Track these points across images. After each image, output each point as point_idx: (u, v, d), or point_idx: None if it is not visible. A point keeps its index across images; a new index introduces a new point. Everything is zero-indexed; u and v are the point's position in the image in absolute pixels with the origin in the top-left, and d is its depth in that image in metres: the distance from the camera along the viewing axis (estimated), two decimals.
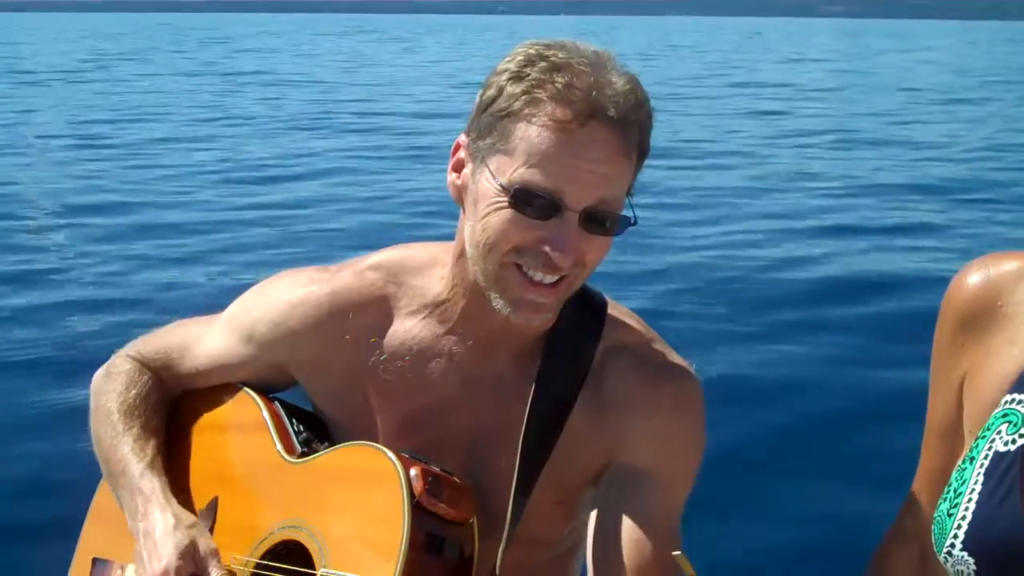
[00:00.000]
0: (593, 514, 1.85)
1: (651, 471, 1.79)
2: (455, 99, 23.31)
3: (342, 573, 1.69)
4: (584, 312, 1.86)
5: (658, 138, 1.73)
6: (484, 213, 1.67)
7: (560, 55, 1.64)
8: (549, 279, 1.67)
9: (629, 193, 1.71)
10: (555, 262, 1.64)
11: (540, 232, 1.63)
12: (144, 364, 2.06)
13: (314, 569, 1.74)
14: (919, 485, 1.83)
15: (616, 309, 1.91)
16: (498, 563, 1.77)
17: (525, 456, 1.79)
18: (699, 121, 20.13)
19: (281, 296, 1.94)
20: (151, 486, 1.91)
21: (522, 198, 1.62)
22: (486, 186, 1.67)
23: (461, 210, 1.77)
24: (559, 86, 1.61)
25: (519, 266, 1.67)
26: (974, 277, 1.72)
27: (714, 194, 12.54)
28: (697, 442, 1.86)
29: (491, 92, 1.67)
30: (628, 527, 1.76)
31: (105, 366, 2.10)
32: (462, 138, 1.75)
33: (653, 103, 1.70)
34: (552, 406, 1.81)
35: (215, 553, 1.83)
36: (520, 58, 1.66)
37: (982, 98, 26.48)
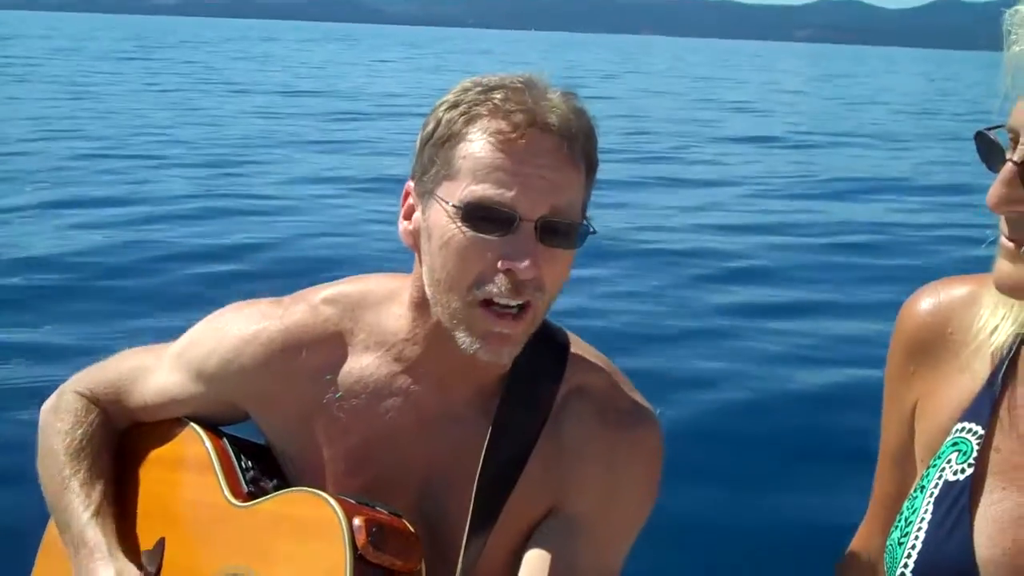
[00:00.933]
0: (526, 556, 1.77)
1: (590, 523, 1.74)
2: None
3: None
4: (545, 351, 1.81)
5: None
6: (439, 245, 1.64)
7: (493, 79, 1.66)
8: (515, 302, 1.62)
9: (584, 212, 1.68)
10: (518, 275, 1.60)
11: (498, 250, 1.60)
12: (91, 400, 2.01)
13: None
14: (872, 511, 1.82)
15: (579, 347, 1.87)
16: None
17: (480, 500, 1.74)
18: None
19: (232, 331, 1.89)
20: (96, 540, 1.87)
21: (474, 214, 1.60)
22: (436, 217, 1.64)
23: (416, 257, 1.74)
24: (495, 102, 1.62)
25: (484, 302, 1.63)
26: (924, 303, 1.70)
27: None
28: (645, 499, 1.81)
29: (430, 127, 1.67)
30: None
31: (53, 399, 2.05)
32: (409, 184, 1.74)
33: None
34: (509, 449, 1.76)
35: None
36: (455, 89, 1.68)
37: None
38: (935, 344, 1.67)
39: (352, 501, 1.70)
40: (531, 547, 1.76)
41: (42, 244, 8.97)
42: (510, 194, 1.59)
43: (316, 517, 1.68)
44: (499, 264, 1.60)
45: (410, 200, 1.73)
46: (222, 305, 1.96)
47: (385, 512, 1.69)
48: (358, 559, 1.62)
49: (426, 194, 1.67)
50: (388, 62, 55.13)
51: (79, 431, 1.97)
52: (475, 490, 1.74)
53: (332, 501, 1.68)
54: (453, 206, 1.61)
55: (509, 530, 1.76)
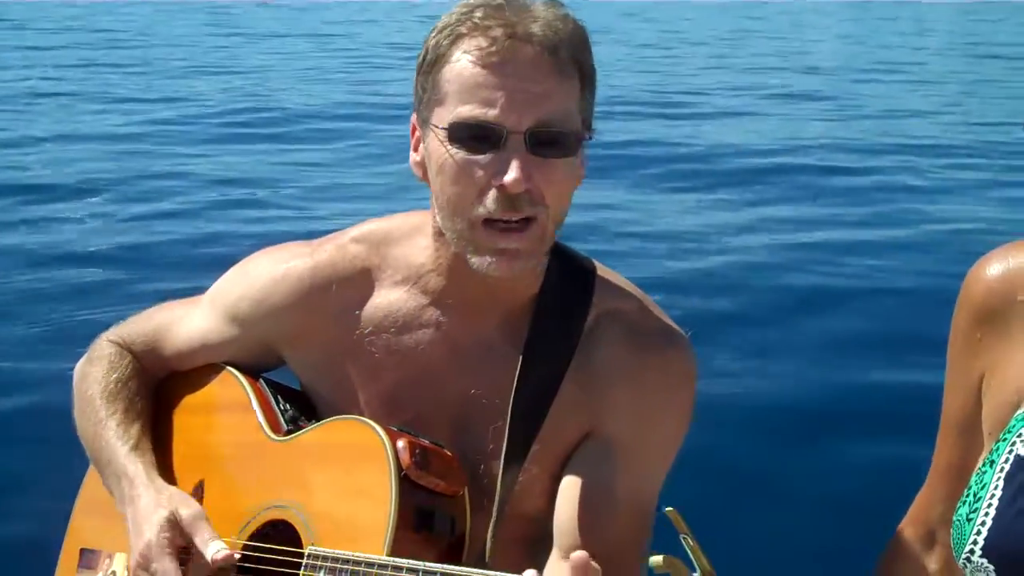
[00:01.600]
0: (563, 481, 1.79)
1: (627, 444, 1.76)
2: None
3: (329, 551, 1.66)
4: (572, 276, 1.83)
5: None
6: (436, 171, 1.67)
7: (477, 3, 1.65)
8: (513, 218, 1.63)
9: (586, 122, 1.68)
10: (508, 189, 1.59)
11: (489, 168, 1.61)
12: (125, 348, 2.03)
13: (301, 547, 1.71)
14: (933, 480, 1.78)
15: (606, 273, 1.88)
16: (488, 539, 1.73)
17: (514, 426, 1.76)
18: None
19: (263, 272, 1.91)
20: (135, 469, 1.88)
21: (461, 135, 1.61)
22: (433, 144, 1.67)
23: (429, 187, 1.75)
24: (476, 20, 1.62)
25: (486, 221, 1.63)
26: (992, 269, 1.66)
27: None
28: (681, 419, 1.83)
29: (421, 54, 1.70)
30: (594, 500, 1.73)
31: (87, 352, 2.06)
32: (413, 116, 1.75)
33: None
34: (542, 374, 1.78)
35: (200, 517, 1.79)
36: (444, 16, 1.68)
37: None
38: (1004, 311, 1.63)
39: (393, 428, 1.71)
40: (568, 472, 1.78)
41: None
42: (494, 110, 1.59)
43: (359, 442, 1.70)
44: (492, 182, 1.60)
45: (417, 134, 1.75)
46: None
47: (427, 440, 1.71)
48: (403, 479, 1.64)
49: (424, 123, 1.70)
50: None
51: (113, 375, 1.99)
52: (509, 418, 1.76)
53: (374, 425, 1.70)
54: (443, 129, 1.63)
55: (545, 457, 1.78)
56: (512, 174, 1.58)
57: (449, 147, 1.62)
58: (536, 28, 1.61)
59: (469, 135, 1.61)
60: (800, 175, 11.16)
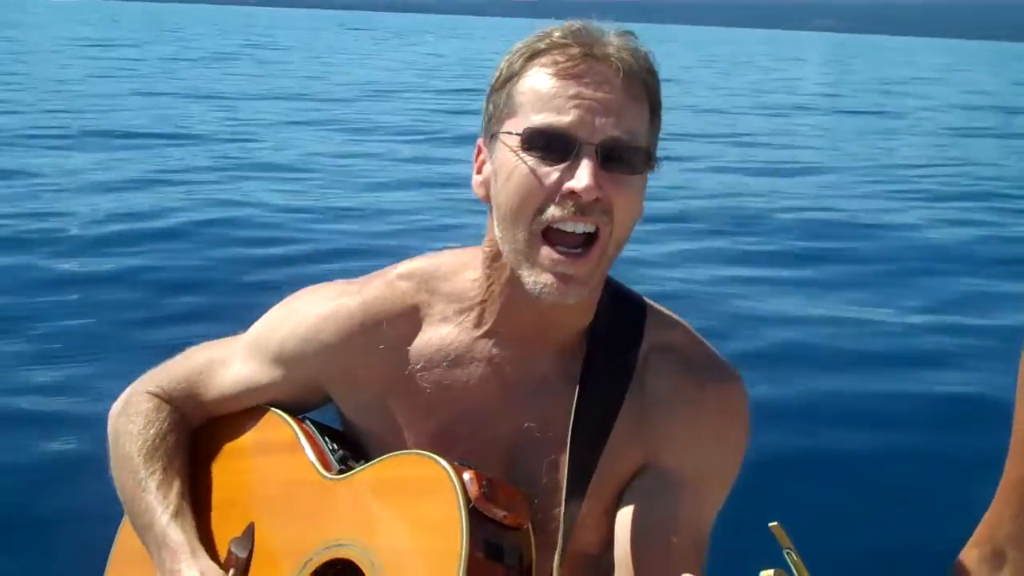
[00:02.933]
0: (620, 514, 1.78)
1: (686, 476, 1.75)
2: None
3: None
4: (624, 310, 1.83)
5: None
6: (504, 179, 1.66)
7: (552, 28, 1.69)
8: (581, 226, 1.62)
9: (650, 152, 1.67)
10: (581, 197, 1.59)
11: (559, 176, 1.61)
12: (162, 398, 1.98)
13: None
14: (1003, 497, 1.76)
15: (655, 306, 1.88)
16: (555, 572, 1.69)
17: (574, 460, 1.74)
18: None
19: (310, 310, 1.88)
20: (178, 539, 1.84)
21: (534, 142, 1.61)
22: (502, 154, 1.66)
23: (488, 212, 1.74)
24: (554, 39, 1.65)
25: (547, 237, 1.63)
26: None
27: None
28: (738, 451, 1.82)
29: (494, 76, 1.71)
30: (652, 533, 1.72)
31: (121, 402, 2.01)
32: (479, 140, 1.75)
33: None
34: (598, 406, 1.77)
35: None
36: (516, 44, 1.71)
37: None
38: None
39: (455, 462, 1.66)
40: (626, 505, 1.77)
41: None
42: (568, 119, 1.60)
43: (422, 475, 1.66)
44: (562, 188, 1.60)
45: (481, 156, 1.74)
46: None
47: (485, 475, 1.67)
48: (472, 512, 1.59)
49: (492, 138, 1.69)
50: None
51: (151, 431, 1.94)
52: (568, 453, 1.74)
53: (438, 458, 1.66)
54: (515, 135, 1.63)
55: (602, 491, 1.77)
56: (585, 180, 1.58)
57: (521, 154, 1.62)
58: (611, 50, 1.64)
59: (543, 142, 1.61)
60: None
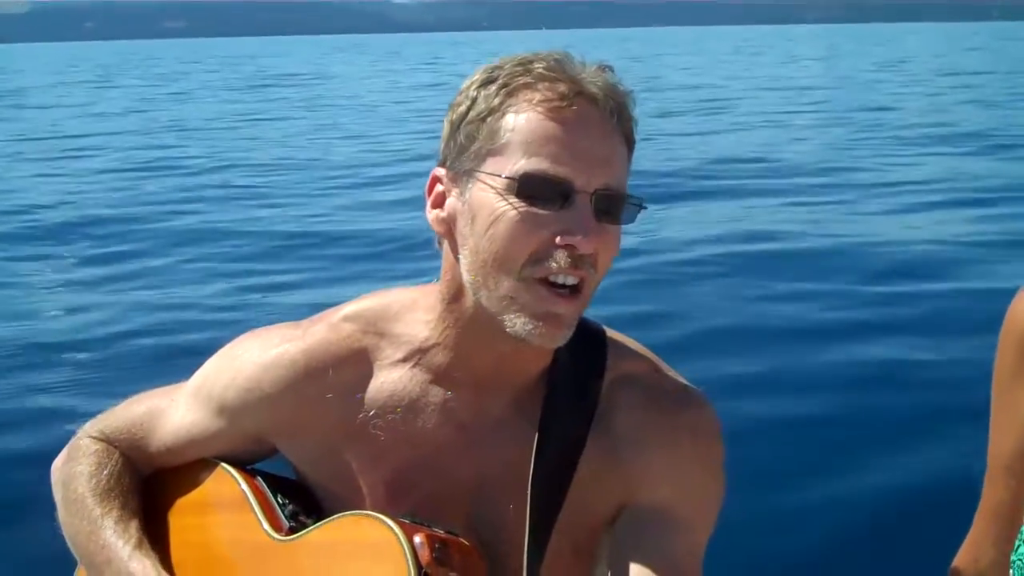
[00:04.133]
0: (610, 556, 1.70)
1: (672, 509, 1.68)
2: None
3: None
4: (584, 342, 1.73)
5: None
6: (487, 223, 1.56)
7: (523, 55, 1.61)
8: (573, 279, 1.55)
9: (636, 199, 1.61)
10: (578, 250, 1.53)
11: (555, 225, 1.53)
12: (109, 444, 1.90)
13: None
14: (983, 521, 1.71)
15: (615, 336, 1.80)
16: None
17: (536, 505, 1.66)
18: None
19: (251, 359, 1.79)
20: (142, 567, 1.75)
21: (530, 187, 1.53)
22: (482, 195, 1.56)
23: (447, 246, 1.65)
24: (537, 71, 1.56)
25: (541, 280, 1.55)
26: None
27: None
28: (719, 474, 1.75)
29: (462, 107, 1.60)
30: (649, 572, 1.63)
31: (65, 452, 1.93)
32: (438, 170, 1.65)
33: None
34: (560, 448, 1.69)
35: None
36: (482, 70, 1.62)
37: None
38: None
39: (406, 521, 1.60)
40: (619, 547, 1.69)
41: None
42: (565, 167, 1.53)
43: (372, 539, 1.58)
44: (557, 240, 1.52)
45: (439, 187, 1.64)
46: None
47: (441, 531, 1.60)
48: None
49: (464, 174, 1.59)
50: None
51: (104, 472, 1.85)
52: (529, 496, 1.66)
53: (388, 520, 1.59)
54: (505, 178, 1.53)
55: (571, 530, 1.70)
56: (586, 234, 1.52)
57: (511, 199, 1.53)
58: (597, 90, 1.56)
59: (537, 190, 1.52)
60: None
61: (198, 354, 1.91)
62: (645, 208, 1.60)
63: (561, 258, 1.53)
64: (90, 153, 18.83)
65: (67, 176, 15.68)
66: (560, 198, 1.53)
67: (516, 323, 1.57)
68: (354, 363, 1.75)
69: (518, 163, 1.53)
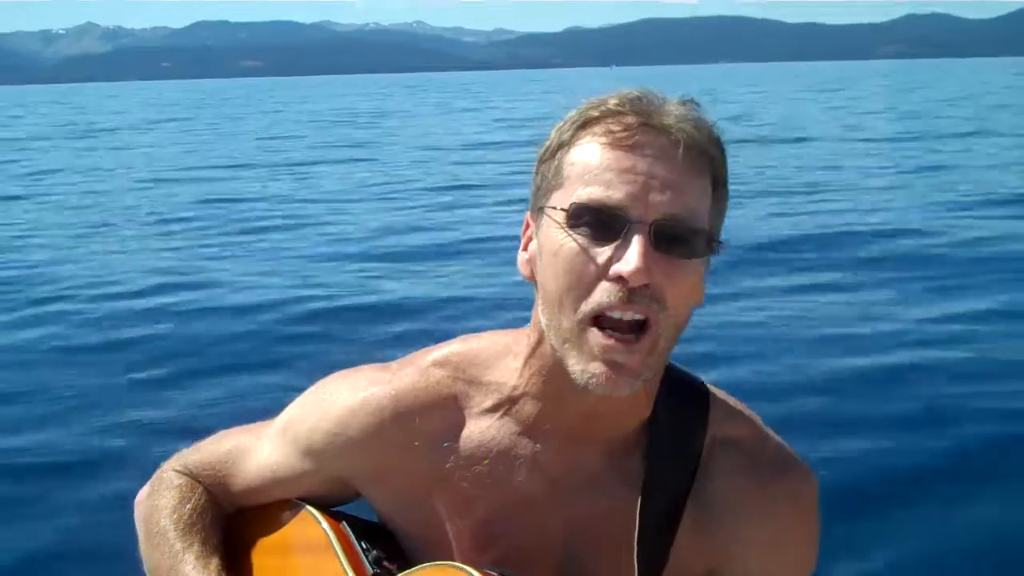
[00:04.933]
0: None
1: None
2: None
3: None
4: (685, 399, 1.67)
5: None
6: (550, 257, 1.50)
7: (608, 95, 1.54)
8: (628, 314, 1.45)
9: (714, 229, 1.52)
10: (628, 282, 1.43)
11: (607, 257, 1.45)
12: (193, 479, 1.87)
13: None
14: None
15: (718, 394, 1.72)
16: None
17: (643, 563, 1.60)
18: None
19: (339, 402, 1.74)
20: None
21: (581, 218, 1.46)
22: (546, 229, 1.51)
23: (535, 289, 1.58)
24: (610, 106, 1.51)
25: (596, 322, 1.47)
26: None
27: None
28: (812, 548, 1.69)
29: (544, 145, 1.56)
30: None
31: (149, 485, 1.90)
32: (527, 217, 1.60)
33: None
34: (663, 507, 1.62)
35: None
36: (569, 113, 1.57)
37: None
38: None
39: (493, 573, 1.54)
40: None
41: None
42: (619, 195, 1.45)
43: None
44: (609, 272, 1.44)
45: (528, 231, 1.60)
46: None
47: None
48: None
49: (539, 211, 1.54)
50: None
51: (187, 506, 1.82)
52: (636, 555, 1.60)
53: (474, 572, 1.52)
54: (561, 210, 1.48)
55: None
56: (633, 263, 1.42)
57: (567, 231, 1.47)
58: (671, 120, 1.48)
59: (590, 219, 1.45)
60: None
61: None
62: (723, 243, 1.52)
63: (612, 291, 1.45)
64: None
65: None
66: (614, 229, 1.45)
67: (575, 369, 1.50)
68: (442, 410, 1.69)
69: (574, 194, 1.48)
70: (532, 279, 1.59)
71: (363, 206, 15.73)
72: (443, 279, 9.89)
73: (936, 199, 14.44)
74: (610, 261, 1.45)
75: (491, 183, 17.61)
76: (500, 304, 8.51)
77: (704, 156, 1.50)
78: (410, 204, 15.74)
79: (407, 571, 1.66)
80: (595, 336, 1.47)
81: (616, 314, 1.45)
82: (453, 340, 1.77)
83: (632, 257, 1.42)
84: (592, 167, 1.47)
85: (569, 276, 1.47)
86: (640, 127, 1.47)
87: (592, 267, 1.46)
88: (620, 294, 1.44)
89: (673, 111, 1.50)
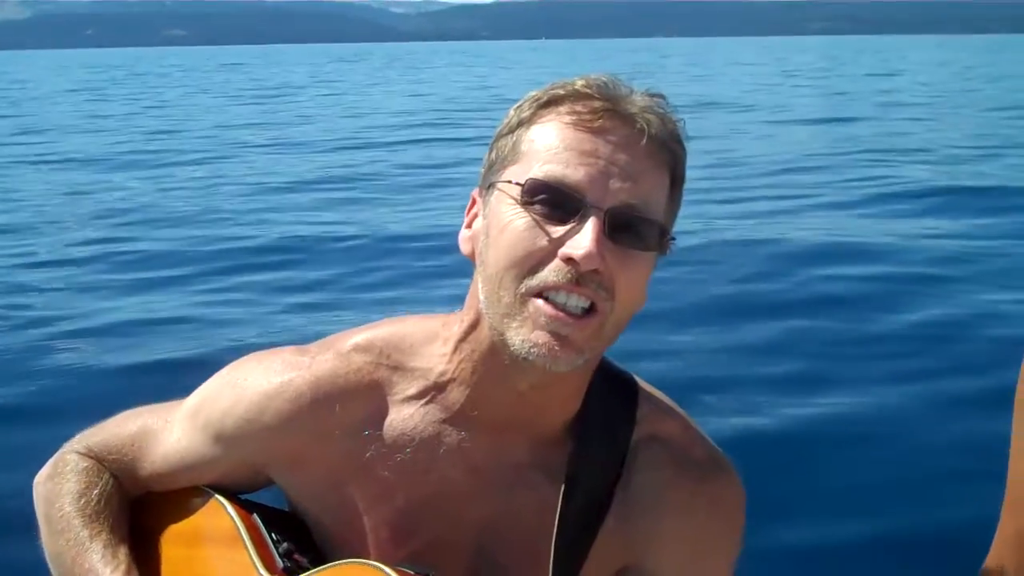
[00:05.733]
0: None
1: None
2: None
3: None
4: (614, 393, 1.63)
5: None
6: (497, 232, 1.46)
7: (575, 78, 1.51)
8: (575, 298, 1.42)
9: (666, 229, 1.48)
10: (579, 265, 1.39)
11: (560, 237, 1.42)
12: (98, 462, 1.79)
13: None
14: (1000, 551, 1.64)
15: (647, 388, 1.69)
16: None
17: (560, 559, 1.56)
18: None
19: (253, 386, 1.68)
20: None
21: (537, 195, 1.43)
22: (497, 204, 1.47)
23: (474, 268, 1.54)
24: (575, 87, 1.48)
25: (540, 295, 1.43)
26: None
27: None
28: (732, 551, 1.66)
29: (501, 123, 1.52)
30: None
31: (50, 466, 1.82)
32: (474, 193, 1.56)
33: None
34: (587, 503, 1.59)
35: None
36: (530, 93, 1.53)
37: None
38: None
39: (411, 572, 1.49)
40: None
41: None
42: (578, 176, 1.42)
43: None
44: (560, 253, 1.41)
45: (474, 209, 1.56)
46: None
47: None
48: None
49: (489, 187, 1.50)
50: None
51: (94, 492, 1.74)
52: (554, 549, 1.56)
53: (390, 571, 1.48)
54: (516, 184, 1.44)
55: None
56: (586, 246, 1.39)
57: (521, 207, 1.43)
58: (637, 110, 1.46)
59: (546, 197, 1.42)
60: None
61: None
62: (674, 240, 1.50)
63: (561, 271, 1.41)
64: None
65: None
66: (570, 210, 1.42)
67: (516, 340, 1.44)
68: (364, 397, 1.64)
69: (532, 170, 1.44)
70: (472, 257, 1.54)
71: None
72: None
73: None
74: (562, 241, 1.42)
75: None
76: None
77: (666, 150, 1.48)
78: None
79: (321, 568, 1.60)
80: (540, 306, 1.43)
81: (561, 298, 1.42)
82: (377, 323, 1.72)
83: (585, 240, 1.40)
84: (553, 145, 1.45)
85: (516, 250, 1.44)
86: (606, 112, 1.45)
87: (542, 243, 1.43)
88: (569, 275, 1.41)
89: (639, 101, 1.48)
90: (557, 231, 1.42)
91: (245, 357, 1.75)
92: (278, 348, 1.74)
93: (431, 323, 1.67)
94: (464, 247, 1.56)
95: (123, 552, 1.70)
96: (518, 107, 1.52)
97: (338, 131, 21.91)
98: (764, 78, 44.00)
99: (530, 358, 1.44)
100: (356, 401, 1.63)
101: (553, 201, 1.42)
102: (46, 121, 26.47)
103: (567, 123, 1.45)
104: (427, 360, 1.63)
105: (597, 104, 1.45)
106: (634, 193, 1.43)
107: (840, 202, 11.75)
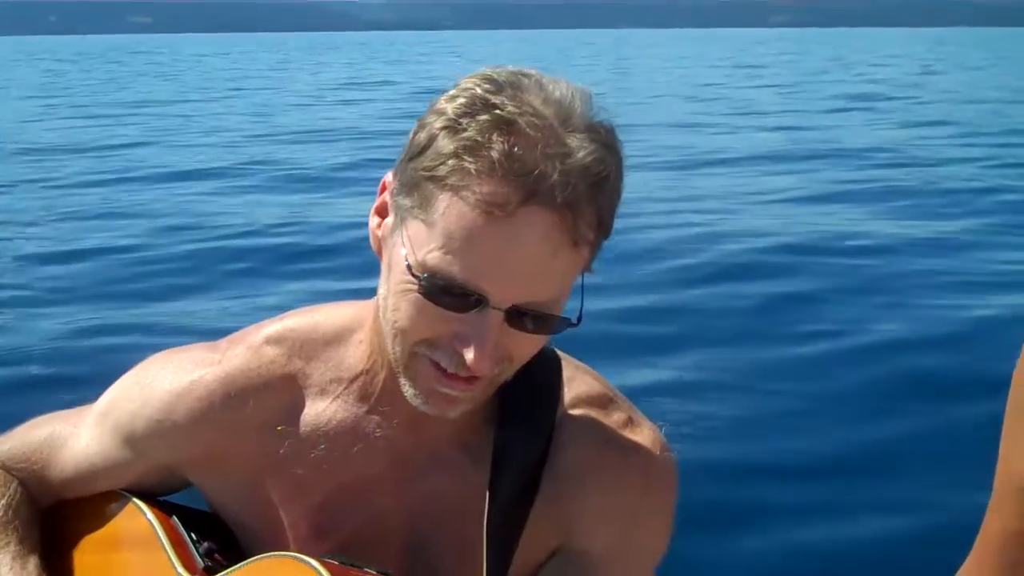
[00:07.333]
0: None
1: (605, 560, 1.55)
2: None
3: None
4: (539, 371, 1.54)
5: None
6: (395, 289, 1.36)
7: (510, 106, 1.29)
8: (465, 373, 1.36)
9: (586, 268, 1.38)
10: (469, 364, 1.33)
11: (453, 326, 1.34)
12: (8, 471, 1.73)
13: None
14: (984, 550, 1.55)
15: (571, 364, 1.62)
16: None
17: (493, 544, 1.50)
18: None
19: (162, 385, 1.62)
20: None
21: (433, 288, 1.31)
22: (399, 258, 1.35)
23: (381, 263, 1.45)
24: (495, 155, 1.26)
25: (433, 362, 1.37)
26: None
27: None
28: (664, 528, 1.60)
29: (421, 138, 1.32)
30: None
31: None
32: (388, 178, 1.41)
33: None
34: (515, 486, 1.52)
35: None
36: (461, 100, 1.31)
37: None
38: None
39: (335, 562, 1.44)
40: None
41: None
42: (480, 279, 1.30)
43: None
44: (452, 342, 1.34)
45: (385, 197, 1.41)
46: None
47: (374, 572, 1.46)
48: None
49: (398, 216, 1.36)
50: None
51: (1, 502, 1.69)
52: (486, 536, 1.50)
53: (313, 562, 1.43)
54: (418, 261, 1.31)
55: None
56: (481, 351, 1.32)
57: (415, 284, 1.32)
58: (561, 194, 1.27)
59: (443, 286, 1.30)
60: None
61: None
62: (576, 325, 1.38)
63: (453, 359, 1.35)
64: None
65: None
66: (468, 305, 1.32)
67: (408, 390, 1.42)
68: (277, 392, 1.58)
69: (432, 253, 1.30)
70: (380, 255, 1.44)
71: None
72: None
73: None
74: (458, 333, 1.33)
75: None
76: None
77: (594, 217, 1.32)
78: None
79: (241, 564, 1.56)
80: (427, 371, 1.38)
81: (452, 369, 1.36)
82: (289, 314, 1.66)
83: (481, 345, 1.32)
84: (458, 233, 1.28)
85: (409, 322, 1.35)
86: (522, 204, 1.26)
87: (439, 329, 1.34)
88: (460, 364, 1.35)
89: (574, 164, 1.28)
90: (451, 317, 1.34)
91: (153, 356, 1.69)
92: (188, 345, 1.69)
93: (345, 311, 1.61)
94: (372, 241, 1.45)
95: (32, 563, 1.65)
96: (443, 144, 1.29)
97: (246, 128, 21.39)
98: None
99: (422, 408, 1.42)
100: (270, 395, 1.58)
101: (449, 293, 1.32)
102: None
103: (479, 210, 1.27)
104: (342, 352, 1.58)
105: (518, 187, 1.26)
106: (540, 291, 1.33)
107: None
